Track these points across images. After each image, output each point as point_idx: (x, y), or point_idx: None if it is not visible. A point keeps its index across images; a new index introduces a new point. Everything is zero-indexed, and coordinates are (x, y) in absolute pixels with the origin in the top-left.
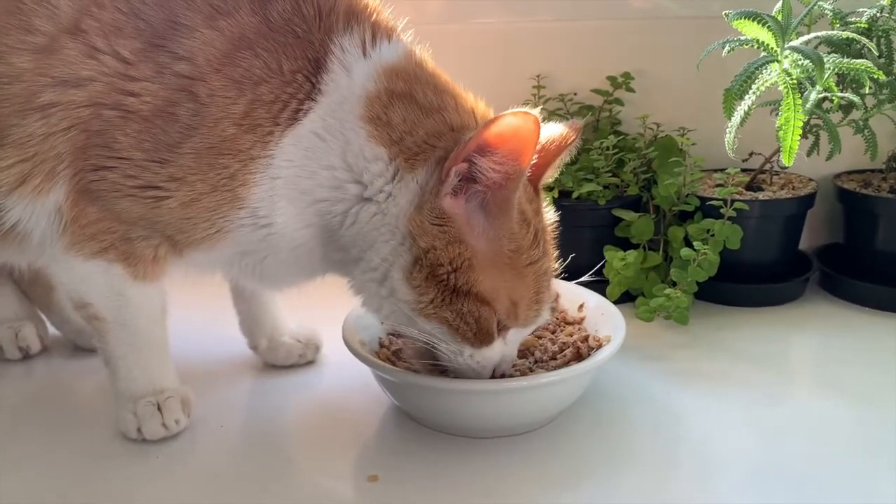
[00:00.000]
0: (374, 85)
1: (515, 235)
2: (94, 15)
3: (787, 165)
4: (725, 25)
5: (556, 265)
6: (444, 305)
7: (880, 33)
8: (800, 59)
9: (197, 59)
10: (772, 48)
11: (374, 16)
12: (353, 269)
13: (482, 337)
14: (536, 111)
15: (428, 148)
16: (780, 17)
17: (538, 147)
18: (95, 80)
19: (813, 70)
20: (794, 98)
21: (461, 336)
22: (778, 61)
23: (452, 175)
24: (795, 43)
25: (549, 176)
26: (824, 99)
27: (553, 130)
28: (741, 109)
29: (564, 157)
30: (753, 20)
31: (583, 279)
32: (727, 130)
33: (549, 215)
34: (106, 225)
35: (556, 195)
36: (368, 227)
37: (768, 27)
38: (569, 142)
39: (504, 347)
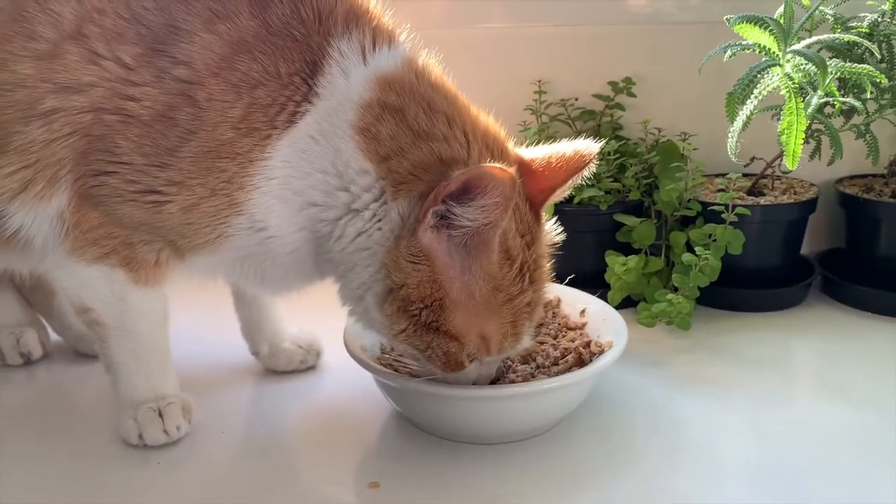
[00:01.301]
0: (369, 94)
1: (494, 276)
2: (96, 21)
3: (790, 169)
4: (726, 30)
5: (546, 290)
6: (415, 336)
7: (882, 38)
8: (802, 63)
9: (195, 63)
10: (773, 52)
11: (376, 21)
12: (341, 285)
13: (451, 366)
14: (512, 169)
15: (413, 179)
16: (781, 21)
17: (549, 162)
18: (97, 85)
19: (815, 74)
20: (796, 102)
21: (432, 363)
22: (780, 65)
23: (430, 216)
24: (798, 47)
25: (557, 197)
26: (826, 104)
27: (564, 149)
28: (743, 114)
29: (576, 180)
30: (755, 24)
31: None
32: (729, 135)
33: (552, 235)
34: (108, 230)
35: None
36: (352, 247)
37: (770, 31)
38: (581, 165)
39: (480, 367)
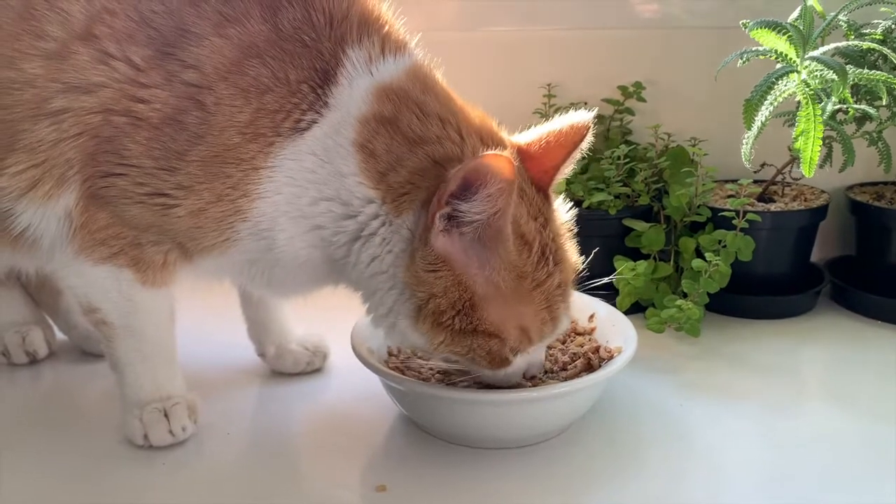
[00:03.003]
0: (367, 107)
1: (515, 264)
2: (107, 22)
3: (807, 176)
4: (736, 35)
5: (576, 267)
6: (454, 343)
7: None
8: (819, 70)
9: (205, 67)
10: (791, 58)
11: (386, 27)
12: (367, 308)
13: (497, 363)
14: (507, 152)
15: (412, 188)
16: (800, 27)
17: (547, 142)
18: (106, 86)
19: (830, 81)
20: (813, 109)
21: (477, 364)
22: (797, 72)
23: (438, 220)
24: (815, 53)
25: (563, 174)
26: (838, 110)
27: (558, 125)
28: (758, 120)
29: (577, 154)
30: (773, 30)
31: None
32: (744, 141)
33: (564, 215)
34: (116, 230)
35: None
36: (369, 272)
37: (788, 37)
38: (579, 138)
39: (528, 357)
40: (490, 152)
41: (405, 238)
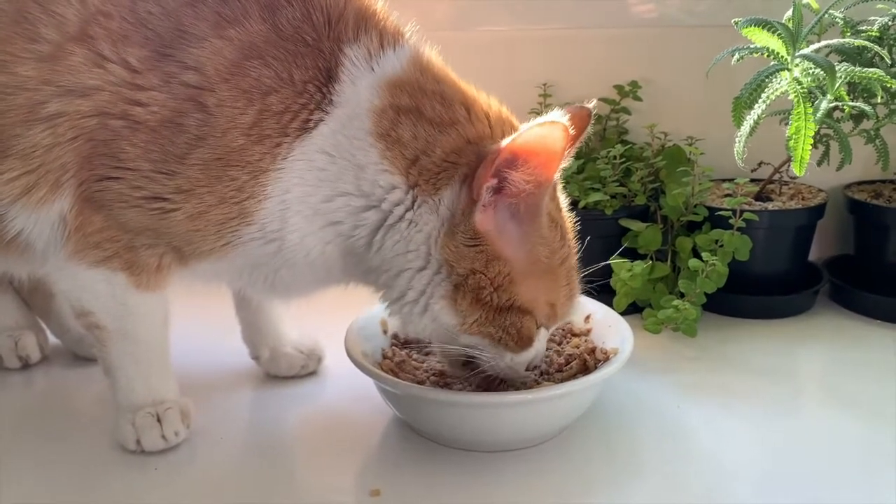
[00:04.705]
0: (380, 100)
1: (547, 239)
2: (102, 23)
3: (798, 175)
4: (733, 34)
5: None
6: (488, 322)
7: (892, 42)
8: (810, 68)
9: (205, 68)
10: (782, 56)
11: (382, 22)
12: (385, 294)
13: (523, 344)
14: (564, 118)
15: (449, 166)
16: (790, 25)
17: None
18: (102, 89)
19: (824, 79)
20: (804, 107)
21: (503, 346)
22: (788, 70)
23: (485, 193)
24: (806, 51)
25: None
26: (835, 108)
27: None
28: (750, 119)
29: (578, 144)
30: (764, 28)
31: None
32: (736, 140)
33: (562, 201)
34: (110, 233)
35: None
36: (393, 252)
37: (779, 35)
38: (585, 124)
39: (538, 344)
40: (543, 119)
41: (442, 216)
